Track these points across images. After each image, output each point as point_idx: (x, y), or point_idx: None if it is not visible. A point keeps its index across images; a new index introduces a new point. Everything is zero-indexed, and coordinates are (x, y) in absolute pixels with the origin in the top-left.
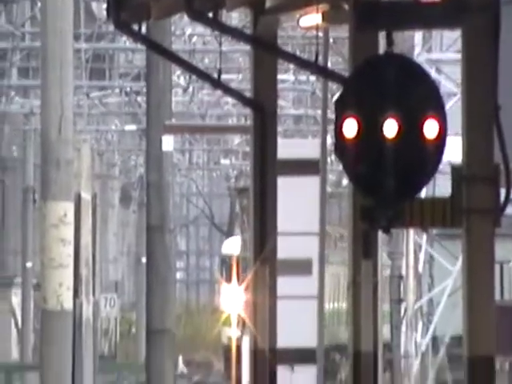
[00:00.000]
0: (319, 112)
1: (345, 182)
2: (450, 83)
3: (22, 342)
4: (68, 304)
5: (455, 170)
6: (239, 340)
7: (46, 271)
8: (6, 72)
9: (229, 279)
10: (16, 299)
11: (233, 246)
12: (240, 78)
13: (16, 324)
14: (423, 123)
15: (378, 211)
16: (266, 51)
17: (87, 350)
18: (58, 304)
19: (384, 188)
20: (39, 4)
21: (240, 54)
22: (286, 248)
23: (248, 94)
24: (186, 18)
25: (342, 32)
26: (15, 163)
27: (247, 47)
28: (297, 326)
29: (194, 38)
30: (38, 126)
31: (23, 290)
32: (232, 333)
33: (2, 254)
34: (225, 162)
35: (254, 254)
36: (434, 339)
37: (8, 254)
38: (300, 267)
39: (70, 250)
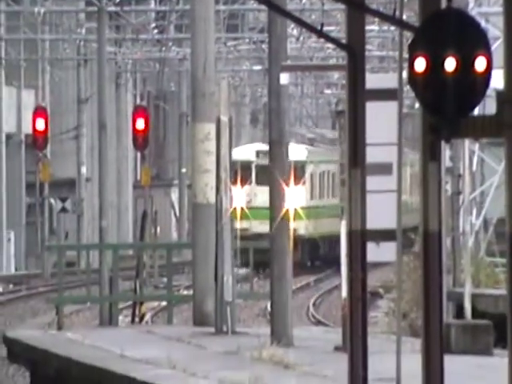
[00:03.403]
0: (397, 53)
1: (416, 105)
2: (495, 30)
3: (179, 227)
4: (212, 199)
5: (499, 94)
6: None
7: (195, 175)
8: (165, 28)
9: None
10: (174, 196)
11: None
12: (338, 29)
13: (175, 214)
14: (475, 60)
15: (442, 126)
16: (357, 9)
17: (226, 232)
18: (204, 199)
19: (446, 109)
20: None
21: (338, 12)
22: (372, 155)
23: (344, 41)
24: None
25: None
26: (173, 95)
27: (343, 6)
28: (381, 213)
29: (304, 0)
30: (189, 67)
31: (179, 190)
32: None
33: (165, 163)
34: (327, 91)
35: (349, 160)
36: (485, 221)
37: (168, 162)
38: (383, 169)
39: (213, 159)
